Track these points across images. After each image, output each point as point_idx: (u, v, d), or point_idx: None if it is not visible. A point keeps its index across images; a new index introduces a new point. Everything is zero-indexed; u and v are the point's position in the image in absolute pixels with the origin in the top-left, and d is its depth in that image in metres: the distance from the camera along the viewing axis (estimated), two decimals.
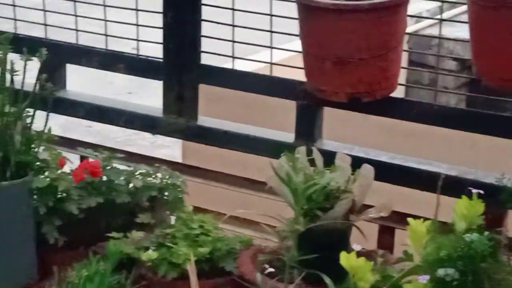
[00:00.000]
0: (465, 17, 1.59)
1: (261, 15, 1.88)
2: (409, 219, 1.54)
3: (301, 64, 1.81)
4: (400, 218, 1.68)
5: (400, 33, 1.60)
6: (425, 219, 1.52)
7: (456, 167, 1.69)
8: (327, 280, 1.52)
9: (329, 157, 1.69)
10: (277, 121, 2.08)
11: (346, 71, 1.60)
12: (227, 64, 2.04)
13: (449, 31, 3.11)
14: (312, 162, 1.69)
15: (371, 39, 1.57)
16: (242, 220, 2.02)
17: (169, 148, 3.58)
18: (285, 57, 2.23)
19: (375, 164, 1.64)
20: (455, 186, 1.54)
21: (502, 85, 1.52)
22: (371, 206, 1.71)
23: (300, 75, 1.85)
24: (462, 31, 1.75)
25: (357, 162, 1.65)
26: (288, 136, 1.91)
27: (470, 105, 1.74)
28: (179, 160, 3.05)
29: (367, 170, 1.65)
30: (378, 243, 1.86)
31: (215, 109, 2.04)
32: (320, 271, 1.56)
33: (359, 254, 1.49)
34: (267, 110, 2.30)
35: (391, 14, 1.57)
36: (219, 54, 1.96)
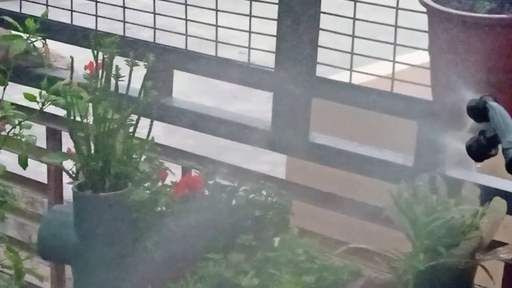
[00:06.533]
0: None
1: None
2: None
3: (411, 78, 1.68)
4: None
5: None
6: None
7: None
8: None
9: (454, 186, 1.52)
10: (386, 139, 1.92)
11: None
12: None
13: None
14: (434, 191, 1.53)
15: None
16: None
17: (273, 154, 3.45)
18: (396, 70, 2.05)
19: (508, 196, 1.46)
20: None
21: None
22: (500, 243, 1.53)
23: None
24: None
25: (487, 194, 1.48)
26: (407, 159, 1.74)
27: None
28: (283, 172, 2.91)
29: (499, 203, 1.47)
30: (503, 285, 1.67)
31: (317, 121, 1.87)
32: None
33: None
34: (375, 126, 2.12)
35: None
36: (335, 66, 1.81)
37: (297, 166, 2.53)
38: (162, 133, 2.30)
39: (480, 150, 1.30)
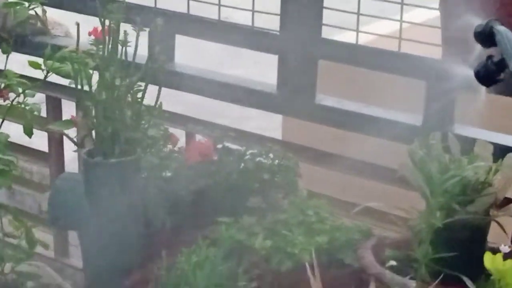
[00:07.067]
0: None
1: None
2: None
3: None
4: None
5: None
6: None
7: None
8: (469, 282, 1.38)
9: (466, 144, 1.53)
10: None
11: None
12: None
13: None
14: (446, 150, 1.54)
15: None
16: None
17: (259, 121, 3.47)
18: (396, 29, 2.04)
19: None
20: None
21: None
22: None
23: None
24: None
25: (500, 151, 1.49)
26: (416, 119, 1.75)
27: None
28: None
29: None
30: None
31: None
32: (455, 270, 1.42)
33: (506, 256, 1.34)
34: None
35: None
36: (341, 28, 1.81)
37: (293, 128, 2.52)
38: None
39: (488, 75, 1.28)
